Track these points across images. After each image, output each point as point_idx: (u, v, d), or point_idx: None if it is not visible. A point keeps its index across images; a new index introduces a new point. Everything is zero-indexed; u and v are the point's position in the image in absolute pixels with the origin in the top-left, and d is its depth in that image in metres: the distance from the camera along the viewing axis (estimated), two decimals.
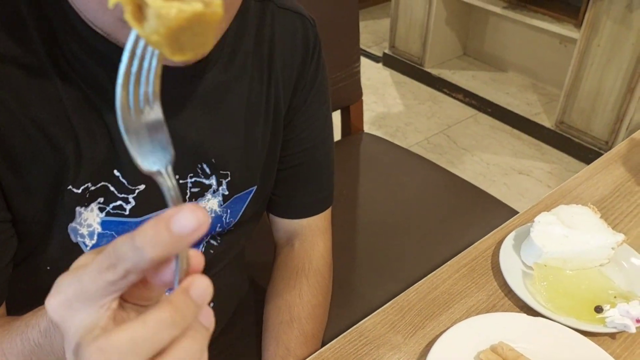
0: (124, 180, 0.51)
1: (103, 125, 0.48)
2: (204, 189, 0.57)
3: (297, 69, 0.60)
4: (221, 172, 0.57)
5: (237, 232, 0.65)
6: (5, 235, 0.48)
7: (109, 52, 0.45)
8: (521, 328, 0.54)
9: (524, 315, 0.56)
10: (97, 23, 0.42)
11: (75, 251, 0.52)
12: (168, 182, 0.27)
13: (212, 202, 0.58)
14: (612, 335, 0.56)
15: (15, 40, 0.44)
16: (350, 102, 1.32)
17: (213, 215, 0.59)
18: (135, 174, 0.52)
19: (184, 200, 0.55)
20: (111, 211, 0.52)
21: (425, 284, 0.63)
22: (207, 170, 0.56)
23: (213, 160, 0.56)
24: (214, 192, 0.57)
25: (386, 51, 2.64)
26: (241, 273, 0.75)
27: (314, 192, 0.70)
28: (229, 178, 0.58)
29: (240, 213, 0.62)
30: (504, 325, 0.54)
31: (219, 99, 0.55)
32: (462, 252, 0.67)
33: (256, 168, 0.61)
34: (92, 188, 0.50)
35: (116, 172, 0.50)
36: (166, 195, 0.27)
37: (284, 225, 0.71)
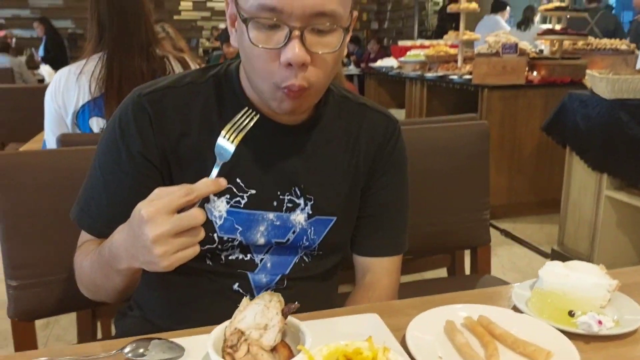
0: (242, 184, 0.82)
1: (233, 157, 0.72)
2: (295, 206, 0.84)
3: (377, 148, 0.90)
4: (307, 195, 0.84)
5: (324, 257, 0.89)
6: (143, 186, 0.74)
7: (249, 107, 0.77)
8: (505, 319, 0.69)
9: (509, 310, 0.70)
10: (258, 87, 0.76)
11: (209, 226, 0.80)
12: (215, 169, 0.66)
13: (300, 217, 0.85)
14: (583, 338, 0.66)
15: (203, 97, 0.83)
16: (478, 244, 1.51)
17: (300, 227, 0.85)
18: (249, 182, 0.81)
19: (281, 210, 0.84)
20: (233, 204, 0.82)
21: None
22: (298, 192, 0.84)
23: (302, 185, 0.84)
24: (302, 209, 0.85)
25: (555, 247, 2.71)
26: (329, 296, 0.97)
27: (384, 238, 0.94)
28: (312, 202, 0.85)
29: (323, 234, 0.87)
30: (489, 314, 0.70)
31: (312, 149, 0.85)
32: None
33: (335, 201, 0.86)
34: None
35: (238, 180, 0.81)
36: (213, 173, 0.65)
37: (359, 261, 0.96)
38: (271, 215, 0.83)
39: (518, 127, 3.24)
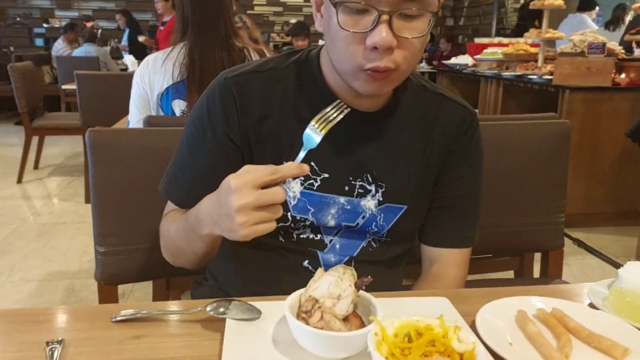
0: (316, 168, 0.84)
1: None
2: (366, 192, 0.86)
3: (452, 138, 0.90)
4: (379, 182, 0.86)
5: (392, 245, 0.91)
6: (225, 163, 0.82)
7: (329, 99, 0.81)
8: (580, 315, 0.68)
9: (585, 306, 0.68)
10: (341, 69, 0.77)
11: (284, 205, 0.77)
12: (301, 154, 0.70)
13: (370, 203, 0.86)
14: None
15: (285, 83, 0.85)
16: (550, 248, 1.45)
17: (369, 213, 0.86)
18: (323, 166, 0.84)
19: (353, 195, 0.86)
20: (307, 186, 0.85)
21: None
22: (370, 178, 0.86)
23: (374, 172, 0.86)
24: (373, 195, 0.86)
25: (632, 260, 2.55)
26: (394, 283, 0.97)
27: (454, 230, 0.94)
28: (384, 189, 0.86)
29: (392, 222, 0.88)
30: (563, 308, 0.69)
31: (387, 137, 0.86)
32: None
33: (406, 190, 0.87)
34: None
35: (312, 163, 0.83)
36: (299, 157, 0.69)
37: (427, 251, 0.96)
38: (342, 200, 0.86)
39: (601, 132, 3.07)
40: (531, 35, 3.71)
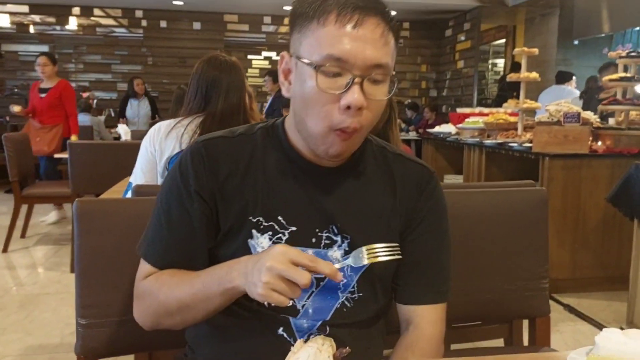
0: (284, 222, 0.88)
1: (276, 193, 0.88)
2: (332, 242, 0.89)
3: (414, 196, 0.94)
4: (344, 234, 0.89)
5: (366, 302, 0.91)
6: (198, 220, 0.87)
7: (296, 160, 0.89)
8: None
9: None
10: (313, 131, 0.82)
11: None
12: (343, 262, 0.83)
13: (337, 253, 0.89)
14: None
15: (251, 146, 0.91)
16: (537, 314, 1.44)
17: (337, 263, 0.86)
18: (290, 220, 0.88)
19: (320, 247, 0.89)
20: (275, 240, 0.87)
21: None
22: (335, 230, 0.89)
23: (339, 224, 0.89)
24: (339, 246, 0.89)
25: (623, 326, 2.54)
26: (371, 344, 0.96)
27: (425, 286, 0.94)
28: (349, 240, 0.89)
29: (360, 272, 0.90)
30: None
31: (349, 191, 0.91)
32: None
33: (370, 240, 0.86)
34: (265, 223, 0.87)
35: (280, 217, 0.87)
36: (338, 264, 0.80)
37: (402, 311, 0.96)
38: (310, 251, 0.88)
39: (582, 197, 3.14)
40: (510, 106, 3.87)
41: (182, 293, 0.86)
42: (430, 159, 5.13)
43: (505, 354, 1.41)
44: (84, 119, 6.26)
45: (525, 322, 1.49)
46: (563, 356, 0.82)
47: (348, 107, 0.78)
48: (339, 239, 0.90)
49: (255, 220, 0.88)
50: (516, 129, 3.88)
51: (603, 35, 6.46)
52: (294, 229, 0.88)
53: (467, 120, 4.61)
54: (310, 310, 0.89)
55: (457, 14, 7.96)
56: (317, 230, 0.89)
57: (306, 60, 0.80)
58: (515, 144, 3.62)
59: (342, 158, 0.88)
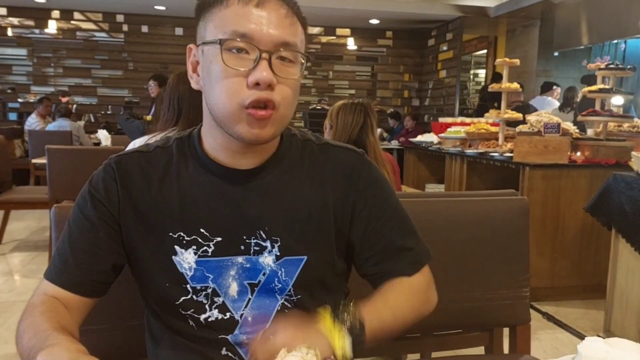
0: (207, 234, 0.84)
1: (195, 205, 0.84)
2: (262, 249, 0.85)
3: (347, 182, 0.90)
4: (273, 237, 0.85)
5: (305, 302, 0.87)
6: (106, 235, 0.83)
7: (211, 167, 0.85)
8: None
9: None
10: (224, 111, 0.79)
11: (181, 278, 0.84)
12: None
13: (268, 259, 0.85)
14: None
15: (166, 159, 0.87)
16: (517, 322, 1.46)
17: (269, 269, 0.85)
18: (213, 231, 0.83)
19: (249, 254, 0.85)
20: (200, 254, 0.84)
21: None
22: (263, 235, 0.85)
23: (266, 228, 0.85)
24: (269, 251, 0.85)
25: (600, 334, 2.57)
26: None
27: (404, 258, 0.92)
28: (279, 243, 0.85)
29: (295, 275, 0.86)
30: None
31: (274, 191, 0.86)
32: None
33: (302, 241, 0.86)
34: (187, 238, 0.83)
35: (202, 230, 0.83)
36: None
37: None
38: (240, 259, 0.85)
39: (561, 207, 3.19)
40: (491, 116, 3.92)
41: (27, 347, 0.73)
42: (412, 167, 5.17)
43: None
44: (62, 124, 6.17)
45: (506, 330, 1.50)
46: None
47: (257, 84, 0.77)
48: (268, 244, 0.86)
49: (176, 235, 0.84)
50: (497, 139, 3.93)
51: (582, 47, 6.59)
52: (219, 239, 0.85)
53: (449, 129, 4.65)
54: (249, 319, 0.86)
55: (440, 24, 8.05)
56: (245, 237, 0.85)
57: (211, 39, 0.79)
58: (496, 154, 3.66)
59: (262, 143, 0.84)
